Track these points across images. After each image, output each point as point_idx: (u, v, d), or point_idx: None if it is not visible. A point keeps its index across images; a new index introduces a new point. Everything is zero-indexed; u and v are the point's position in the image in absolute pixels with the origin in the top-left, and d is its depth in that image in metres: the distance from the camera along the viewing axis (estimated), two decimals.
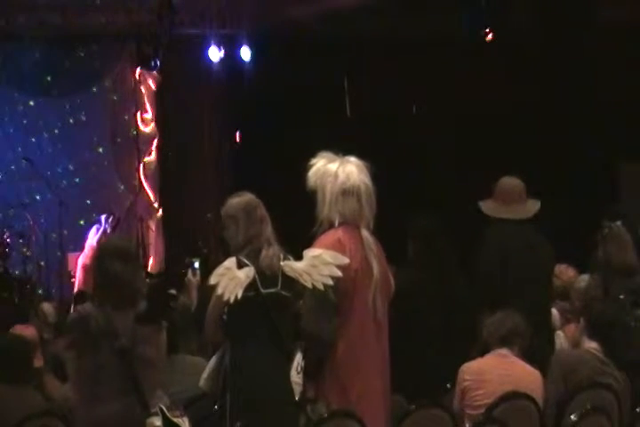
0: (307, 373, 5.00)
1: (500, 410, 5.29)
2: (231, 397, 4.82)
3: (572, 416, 5.31)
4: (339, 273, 4.88)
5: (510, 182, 6.58)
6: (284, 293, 4.93)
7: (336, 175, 5.08)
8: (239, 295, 4.75)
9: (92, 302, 5.00)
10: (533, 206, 6.56)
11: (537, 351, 5.76)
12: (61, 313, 8.77)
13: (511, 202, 6.49)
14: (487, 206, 6.54)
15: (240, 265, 4.85)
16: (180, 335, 5.88)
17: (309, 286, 4.88)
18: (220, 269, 4.81)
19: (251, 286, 4.82)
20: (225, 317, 4.89)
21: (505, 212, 6.46)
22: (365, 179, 5.13)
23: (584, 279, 7.15)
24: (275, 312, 4.89)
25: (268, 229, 4.98)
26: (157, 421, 4.83)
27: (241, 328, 4.88)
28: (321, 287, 4.87)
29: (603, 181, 13.54)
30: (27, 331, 6.34)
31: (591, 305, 5.77)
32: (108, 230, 13.65)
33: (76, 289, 12.87)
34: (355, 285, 5.00)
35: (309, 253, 4.94)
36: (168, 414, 4.84)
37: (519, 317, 5.68)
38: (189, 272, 8.20)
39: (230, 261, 4.85)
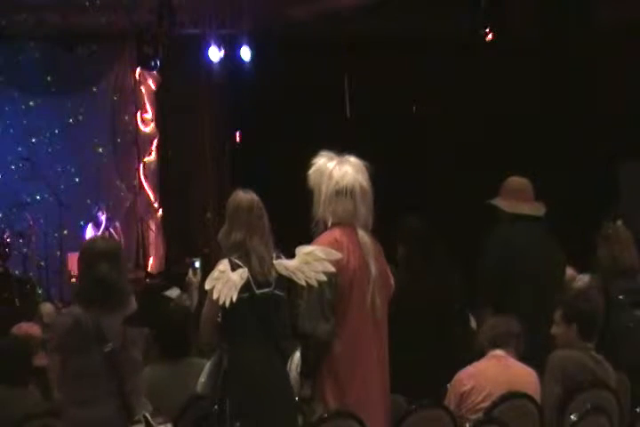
0: (304, 372, 4.99)
1: (499, 410, 5.28)
2: (230, 398, 4.81)
3: (572, 416, 5.31)
4: (332, 269, 4.88)
5: (521, 181, 6.55)
6: (277, 292, 4.92)
7: (330, 175, 5.09)
8: (234, 298, 4.74)
9: (80, 304, 4.96)
10: (543, 206, 6.54)
11: (544, 351, 5.73)
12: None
13: (525, 200, 6.46)
14: (502, 203, 6.47)
15: (233, 267, 4.84)
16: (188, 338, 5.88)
17: (303, 283, 4.87)
18: (214, 274, 4.80)
19: (245, 288, 4.82)
20: (220, 319, 4.88)
21: (523, 208, 6.42)
22: (361, 179, 5.11)
23: (583, 279, 7.14)
24: (270, 312, 4.88)
25: (258, 233, 4.95)
26: None
27: (237, 330, 4.87)
28: (315, 284, 4.87)
29: (603, 180, 13.55)
30: (32, 330, 6.34)
31: (578, 307, 5.74)
32: (104, 226, 13.69)
33: None
34: (352, 284, 5.00)
35: (301, 250, 4.93)
36: (151, 422, 4.83)
37: (514, 320, 5.66)
38: (190, 272, 8.18)
39: (224, 264, 4.84)
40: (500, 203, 6.47)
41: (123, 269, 5.11)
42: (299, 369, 4.99)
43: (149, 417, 4.83)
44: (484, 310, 6.30)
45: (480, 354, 5.67)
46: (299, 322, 4.93)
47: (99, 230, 13.67)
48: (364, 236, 5.09)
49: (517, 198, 6.45)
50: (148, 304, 5.59)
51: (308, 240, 5.08)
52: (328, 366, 4.97)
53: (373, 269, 5.06)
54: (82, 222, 14.11)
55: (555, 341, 5.74)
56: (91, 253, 5.03)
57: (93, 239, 6.03)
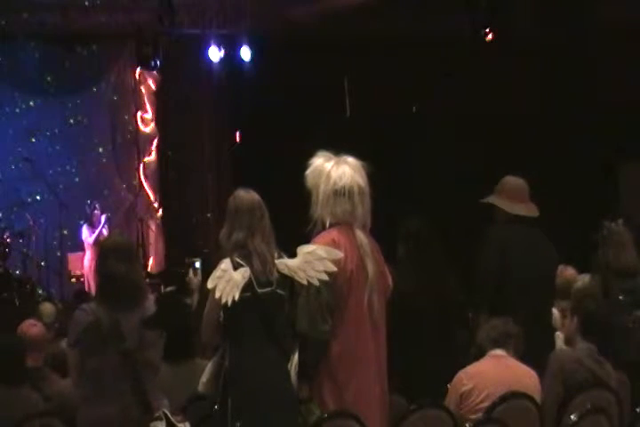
0: (301, 373, 4.99)
1: (499, 410, 5.28)
2: (232, 397, 4.81)
3: (572, 416, 5.31)
4: (333, 268, 4.87)
5: (517, 181, 6.53)
6: (279, 291, 4.91)
7: (328, 176, 5.08)
8: (236, 297, 4.74)
9: (97, 302, 4.99)
10: (536, 207, 6.53)
11: (538, 352, 5.74)
12: (61, 313, 8.76)
13: (521, 200, 6.45)
14: (500, 203, 6.47)
15: (235, 266, 4.84)
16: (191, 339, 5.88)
17: (304, 282, 4.86)
18: (216, 272, 4.79)
19: (247, 287, 4.81)
20: (222, 319, 4.88)
21: (520, 209, 6.41)
22: (359, 179, 5.10)
23: (583, 279, 7.13)
24: (271, 312, 4.88)
25: (260, 232, 4.94)
26: (161, 425, 4.83)
27: (239, 329, 4.87)
28: (316, 283, 4.86)
29: (603, 181, 13.55)
30: (34, 329, 6.32)
31: (583, 304, 5.75)
32: (101, 226, 13.67)
33: (88, 290, 12.86)
34: (350, 285, 4.99)
35: (303, 249, 4.93)
36: (172, 419, 4.84)
37: (511, 321, 5.66)
38: (190, 272, 8.17)
39: (226, 263, 4.84)
40: (498, 203, 6.44)
41: (134, 266, 5.13)
42: (297, 370, 4.98)
43: (169, 414, 4.84)
44: (482, 311, 6.29)
45: (479, 354, 5.66)
46: (296, 322, 4.93)
47: (94, 231, 13.65)
48: (361, 236, 5.08)
49: (514, 199, 6.43)
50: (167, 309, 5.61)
51: (308, 240, 5.08)
52: (326, 366, 4.96)
53: (371, 269, 5.05)
54: (81, 222, 14.12)
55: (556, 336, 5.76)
56: (100, 250, 5.09)
57: (107, 236, 6.08)
